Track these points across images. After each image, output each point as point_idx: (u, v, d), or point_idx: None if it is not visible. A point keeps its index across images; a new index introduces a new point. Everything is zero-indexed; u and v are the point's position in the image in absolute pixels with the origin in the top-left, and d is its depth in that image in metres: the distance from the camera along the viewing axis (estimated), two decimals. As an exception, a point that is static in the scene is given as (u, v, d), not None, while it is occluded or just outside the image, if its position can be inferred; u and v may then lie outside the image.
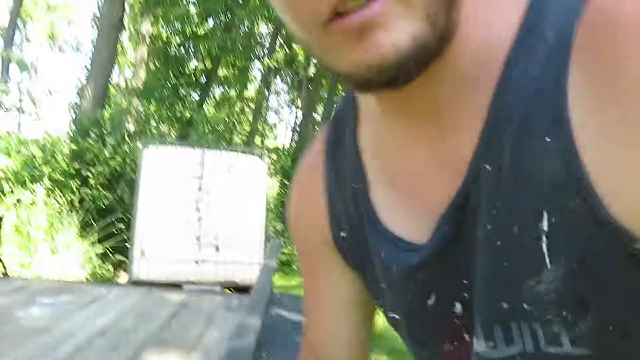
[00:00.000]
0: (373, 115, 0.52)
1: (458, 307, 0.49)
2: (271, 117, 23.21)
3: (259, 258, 5.24)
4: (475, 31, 0.44)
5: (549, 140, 0.39)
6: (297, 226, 0.63)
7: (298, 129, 18.35)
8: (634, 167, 0.36)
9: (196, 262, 5.05)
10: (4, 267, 3.91)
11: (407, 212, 0.50)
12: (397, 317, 0.54)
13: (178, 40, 10.69)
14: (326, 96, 15.51)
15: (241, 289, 5.19)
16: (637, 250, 0.37)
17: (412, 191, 0.50)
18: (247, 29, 10.58)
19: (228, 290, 5.31)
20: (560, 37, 0.40)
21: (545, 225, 0.41)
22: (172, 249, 4.96)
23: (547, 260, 0.41)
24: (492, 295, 0.45)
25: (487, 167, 0.43)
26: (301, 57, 16.50)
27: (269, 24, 14.25)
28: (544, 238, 0.41)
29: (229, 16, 9.84)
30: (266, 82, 16.75)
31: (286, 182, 12.88)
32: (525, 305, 0.43)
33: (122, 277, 8.12)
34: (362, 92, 0.47)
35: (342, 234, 0.57)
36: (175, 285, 4.91)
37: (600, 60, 0.37)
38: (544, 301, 0.42)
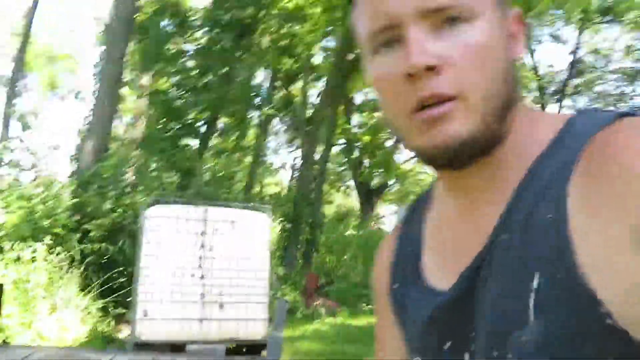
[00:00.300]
0: (439, 196, 0.69)
1: (466, 357, 0.58)
2: (270, 158, 23.30)
3: (264, 314, 5.17)
4: (520, 140, 0.59)
5: (550, 218, 0.51)
6: (374, 276, 0.78)
7: (298, 169, 18.38)
8: (606, 244, 0.48)
9: (200, 320, 4.96)
10: (5, 336, 3.83)
11: (443, 268, 0.63)
12: None
13: (177, 93, 10.82)
14: (325, 137, 15.63)
15: (247, 347, 5.10)
16: (605, 317, 0.46)
17: (450, 252, 0.63)
18: (245, 80, 10.74)
19: (232, 347, 5.20)
20: (573, 152, 0.54)
21: (535, 284, 0.50)
22: (175, 308, 4.88)
23: (532, 314, 0.50)
24: (487, 345, 0.54)
25: (503, 237, 0.56)
26: (298, 99, 16.71)
27: (266, 69, 14.47)
28: (532, 295, 0.50)
29: (227, 69, 10.01)
30: (265, 128, 16.90)
31: (287, 226, 12.81)
32: (509, 356, 0.51)
33: (124, 331, 7.98)
34: (429, 167, 0.61)
35: (395, 285, 0.71)
36: (179, 346, 4.81)
37: (592, 172, 0.51)
38: (523, 352, 0.50)
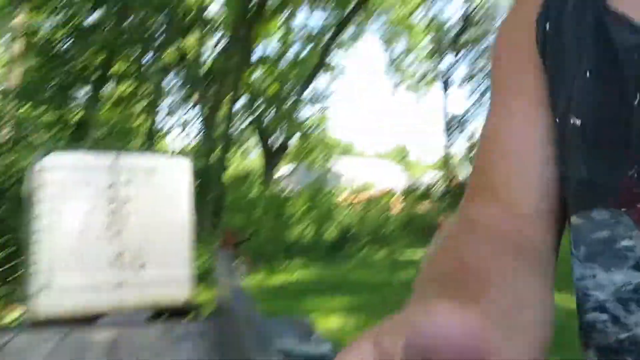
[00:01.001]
0: None
1: None
2: (167, 116, 21.93)
3: (188, 273, 4.64)
4: None
5: None
6: (502, 37, 0.60)
7: (200, 127, 17.32)
8: None
9: (116, 286, 4.29)
10: None
11: None
12: (579, 124, 0.49)
13: (61, 34, 9.40)
14: (228, 93, 14.77)
15: (171, 312, 4.54)
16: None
17: None
18: (142, 17, 9.60)
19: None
20: None
21: None
22: (85, 273, 4.17)
23: None
24: None
25: None
26: (194, 51, 15.62)
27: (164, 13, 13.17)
28: None
29: (121, 5, 8.80)
30: (159, 83, 15.57)
31: (199, 183, 12.09)
32: None
33: (14, 313, 7.03)
34: None
35: (547, 26, 0.55)
36: (89, 319, 4.13)
37: None
38: None
